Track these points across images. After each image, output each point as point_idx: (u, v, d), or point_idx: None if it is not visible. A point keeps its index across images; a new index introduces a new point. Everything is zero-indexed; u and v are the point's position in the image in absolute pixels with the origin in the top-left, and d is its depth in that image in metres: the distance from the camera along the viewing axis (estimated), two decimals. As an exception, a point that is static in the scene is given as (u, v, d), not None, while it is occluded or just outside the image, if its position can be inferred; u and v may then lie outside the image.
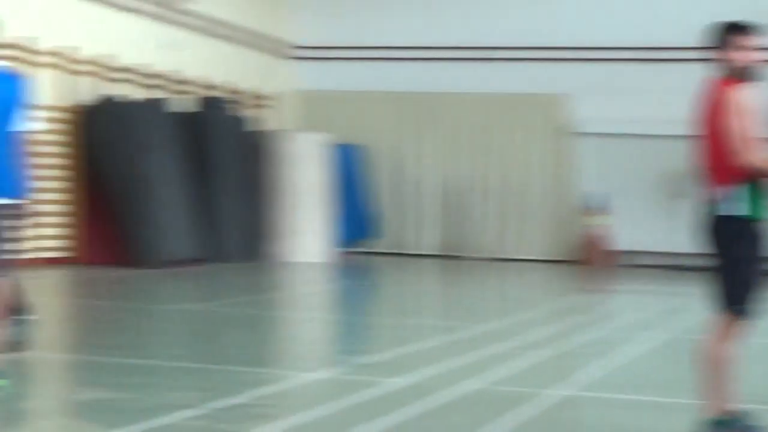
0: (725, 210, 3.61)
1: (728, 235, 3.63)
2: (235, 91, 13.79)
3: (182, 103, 12.46)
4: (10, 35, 7.83)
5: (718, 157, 3.60)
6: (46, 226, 10.03)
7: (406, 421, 4.02)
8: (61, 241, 11.04)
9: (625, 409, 4.69)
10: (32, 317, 5.32)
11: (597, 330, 7.82)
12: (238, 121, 13.09)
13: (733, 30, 3.64)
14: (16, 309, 5.03)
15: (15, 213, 4.29)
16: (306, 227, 13.08)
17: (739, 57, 3.61)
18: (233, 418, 4.01)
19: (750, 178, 3.55)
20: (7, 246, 4.28)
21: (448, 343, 6.66)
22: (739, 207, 3.58)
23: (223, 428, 3.87)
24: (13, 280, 4.75)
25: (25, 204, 4.36)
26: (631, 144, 14.19)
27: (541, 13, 14.29)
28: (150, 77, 12.24)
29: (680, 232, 10.91)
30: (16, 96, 4.33)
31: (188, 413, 3.96)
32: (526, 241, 15.00)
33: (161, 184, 11.27)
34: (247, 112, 13.71)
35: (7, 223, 4.25)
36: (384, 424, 3.89)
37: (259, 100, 14.58)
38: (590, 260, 14.00)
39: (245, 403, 4.34)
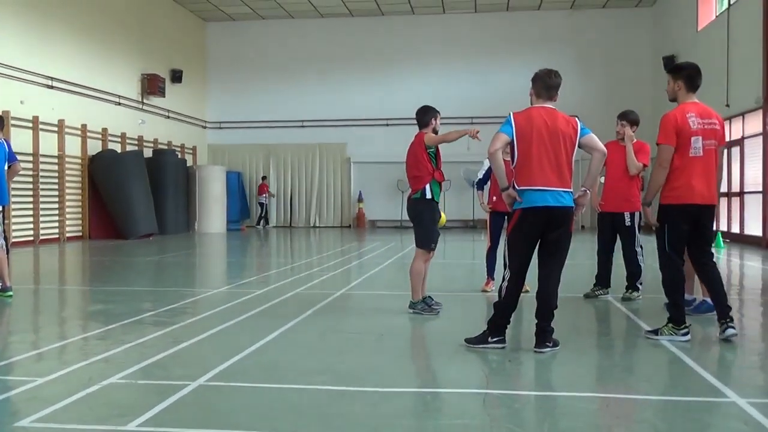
0: (422, 195, 7.07)
1: (422, 209, 7.10)
2: (174, 145, 24.92)
3: (147, 152, 22.46)
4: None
5: (415, 170, 7.13)
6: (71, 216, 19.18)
7: (267, 307, 7.65)
8: (78, 225, 19.68)
9: (377, 297, 8.58)
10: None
11: (362, 258, 13.94)
12: (177, 159, 23.43)
13: (433, 110, 7.23)
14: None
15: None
16: (213, 214, 23.87)
17: (436, 123, 7.17)
18: (171, 315, 7.14)
19: (434, 178, 7.05)
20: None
21: (286, 269, 11.97)
22: (429, 193, 7.05)
23: (164, 321, 6.81)
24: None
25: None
26: (377, 166, 26.73)
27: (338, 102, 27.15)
28: (131, 139, 22.31)
29: (401, 209, 22.25)
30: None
31: (147, 314, 7.22)
32: (327, 216, 27.63)
33: (135, 193, 19.80)
34: (182, 155, 25.10)
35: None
36: (258, 310, 7.47)
37: (188, 149, 26.26)
38: (359, 225, 26.73)
39: (178, 306, 7.70)
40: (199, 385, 4.49)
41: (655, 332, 5.95)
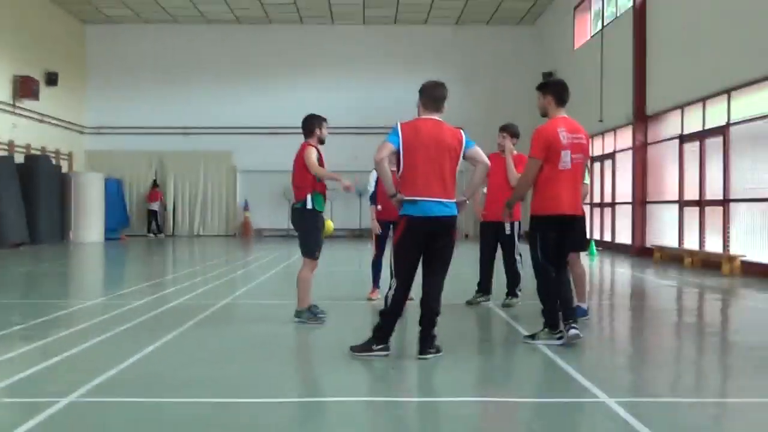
0: (303, 205, 7.04)
1: (304, 218, 7.07)
2: (49, 150, 23.48)
3: (19, 157, 21.12)
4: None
5: (298, 180, 7.08)
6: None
7: (146, 319, 7.34)
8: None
9: (262, 306, 8.53)
10: None
11: (247, 267, 13.87)
12: (52, 166, 22.36)
13: (320, 118, 7.22)
14: None
15: None
16: (90, 223, 22.80)
17: (322, 132, 7.18)
18: (43, 329, 6.76)
19: (316, 189, 7.03)
20: None
21: (167, 279, 11.73)
22: (310, 204, 7.03)
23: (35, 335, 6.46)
24: None
25: None
26: (264, 175, 26.33)
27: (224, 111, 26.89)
28: (1, 144, 20.79)
29: (288, 218, 20.58)
30: None
31: (15, 327, 6.83)
32: (211, 225, 27.37)
33: (4, 199, 18.86)
34: (57, 162, 23.67)
35: None
36: (136, 321, 7.17)
37: (63, 155, 24.79)
38: (245, 234, 26.71)
39: (50, 319, 7.34)
40: (70, 401, 4.28)
41: (532, 337, 6.20)
